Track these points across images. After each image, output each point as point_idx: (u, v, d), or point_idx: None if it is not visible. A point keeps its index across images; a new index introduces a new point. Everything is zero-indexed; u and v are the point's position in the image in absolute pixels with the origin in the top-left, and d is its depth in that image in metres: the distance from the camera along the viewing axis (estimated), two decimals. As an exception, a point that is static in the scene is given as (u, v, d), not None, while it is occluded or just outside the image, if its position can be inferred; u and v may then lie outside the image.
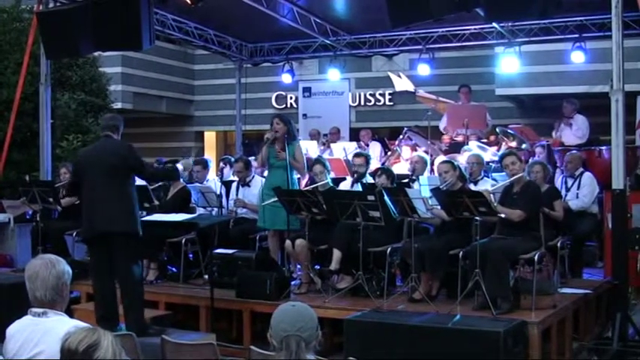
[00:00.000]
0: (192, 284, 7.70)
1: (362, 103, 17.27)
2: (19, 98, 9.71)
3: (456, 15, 8.13)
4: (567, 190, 8.33)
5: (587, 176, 8.38)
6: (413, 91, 14.50)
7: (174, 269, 8.26)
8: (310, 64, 16.37)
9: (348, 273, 6.95)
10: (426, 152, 10.21)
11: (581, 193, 8.27)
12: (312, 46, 12.30)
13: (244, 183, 8.60)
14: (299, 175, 8.24)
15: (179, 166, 7.24)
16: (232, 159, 10.17)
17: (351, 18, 11.12)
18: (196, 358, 4.84)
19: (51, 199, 8.41)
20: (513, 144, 10.46)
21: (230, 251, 7.52)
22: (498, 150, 10.23)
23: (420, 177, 8.39)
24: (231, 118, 15.21)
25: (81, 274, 7.14)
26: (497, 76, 14.17)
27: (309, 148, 10.94)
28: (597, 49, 11.01)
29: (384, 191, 6.71)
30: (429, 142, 10.71)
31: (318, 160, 7.83)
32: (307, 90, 16.68)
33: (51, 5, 9.25)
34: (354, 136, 14.36)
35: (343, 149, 11.27)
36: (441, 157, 9.01)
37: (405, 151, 10.89)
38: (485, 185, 7.46)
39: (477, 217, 6.23)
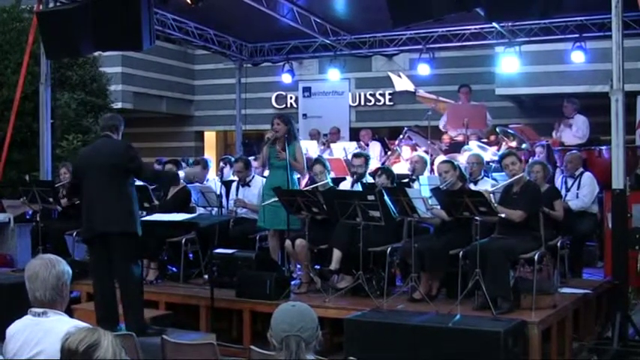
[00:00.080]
0: (192, 284, 7.71)
1: (362, 103, 17.27)
2: (19, 98, 9.71)
3: (456, 15, 8.11)
4: (567, 190, 8.33)
5: (587, 176, 8.38)
6: (413, 90, 14.51)
7: (174, 269, 8.26)
8: (310, 64, 16.38)
9: (348, 273, 6.95)
10: (426, 152, 10.21)
11: (581, 193, 8.27)
12: (312, 46, 12.30)
13: (244, 183, 8.59)
14: (299, 175, 8.25)
15: (180, 173, 7.23)
16: (232, 159, 10.17)
17: (351, 18, 11.12)
18: (196, 358, 4.84)
19: (51, 199, 8.41)
20: (513, 144, 10.47)
21: (230, 251, 7.51)
22: (498, 150, 10.23)
23: (420, 177, 8.39)
24: (231, 118, 15.21)
25: (81, 274, 7.15)
26: (498, 76, 14.18)
27: (309, 148, 10.94)
28: (597, 49, 11.02)
29: (384, 191, 6.71)
30: (429, 142, 10.71)
31: (318, 160, 7.84)
32: (307, 90, 16.67)
33: (51, 5, 9.25)
34: (354, 136, 14.36)
35: (343, 149, 11.28)
36: (441, 157, 9.01)
37: (405, 151, 10.89)
38: (485, 185, 7.46)
39: (477, 217, 6.23)
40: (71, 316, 3.51)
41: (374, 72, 16.62)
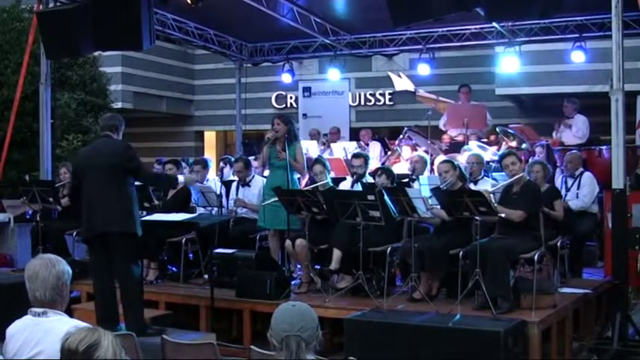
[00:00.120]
0: (193, 284, 7.71)
1: (362, 102, 17.27)
2: (19, 98, 9.71)
3: (456, 15, 8.11)
4: (567, 189, 8.33)
5: (587, 176, 8.38)
6: (413, 90, 14.50)
7: (174, 269, 8.26)
8: (310, 64, 16.37)
9: (348, 273, 6.95)
10: (426, 152, 10.21)
11: (581, 192, 8.27)
12: (312, 45, 12.30)
13: (244, 183, 8.59)
14: (299, 175, 8.25)
15: (180, 177, 7.23)
16: (232, 159, 10.17)
17: (351, 18, 11.12)
18: (196, 358, 4.84)
19: (51, 199, 8.41)
20: (513, 144, 10.47)
21: (230, 251, 7.51)
22: (498, 150, 10.22)
23: (420, 177, 8.39)
24: (231, 117, 15.21)
25: (81, 274, 7.15)
26: (498, 76, 14.17)
27: (309, 148, 10.94)
28: (597, 49, 11.02)
29: (384, 191, 6.71)
30: (429, 142, 10.71)
31: (318, 160, 7.84)
32: (307, 90, 16.66)
33: (51, 5, 9.25)
34: (354, 135, 14.36)
35: (343, 149, 11.27)
36: (441, 157, 9.00)
37: (405, 151, 10.89)
38: (485, 185, 7.46)
39: (477, 217, 6.23)
40: (71, 316, 3.51)
41: (374, 72, 16.62)
